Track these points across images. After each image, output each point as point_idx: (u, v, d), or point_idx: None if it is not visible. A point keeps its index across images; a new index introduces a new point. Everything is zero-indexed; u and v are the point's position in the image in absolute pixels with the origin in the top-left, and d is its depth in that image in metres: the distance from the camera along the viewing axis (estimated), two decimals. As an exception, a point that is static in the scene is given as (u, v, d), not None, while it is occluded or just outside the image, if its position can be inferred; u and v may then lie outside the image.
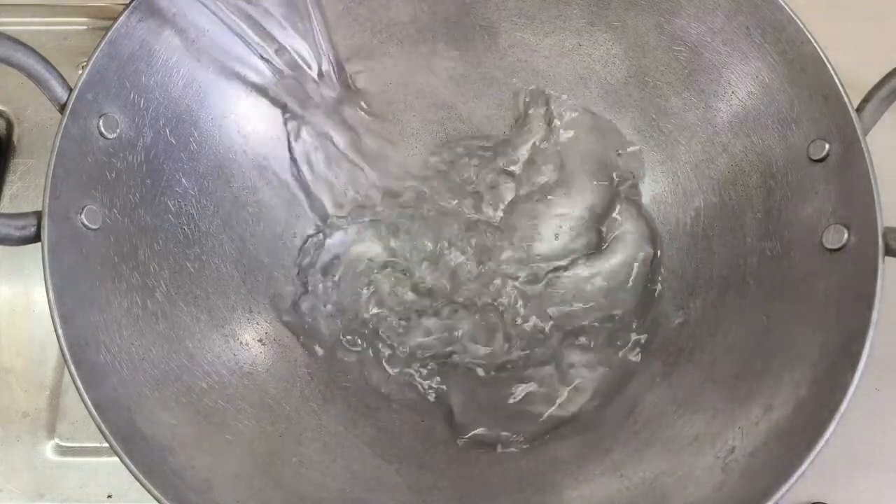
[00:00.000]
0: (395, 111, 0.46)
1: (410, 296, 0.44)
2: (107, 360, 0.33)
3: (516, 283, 0.44)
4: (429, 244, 0.44)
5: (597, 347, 0.42)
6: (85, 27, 0.51)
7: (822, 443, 0.30)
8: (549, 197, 0.45)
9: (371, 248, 0.44)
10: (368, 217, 0.45)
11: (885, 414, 0.42)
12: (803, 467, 0.30)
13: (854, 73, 0.36)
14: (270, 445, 0.37)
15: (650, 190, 0.44)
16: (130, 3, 0.36)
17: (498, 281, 0.44)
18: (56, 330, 0.31)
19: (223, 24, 0.40)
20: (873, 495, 0.41)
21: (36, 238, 0.32)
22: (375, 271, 0.44)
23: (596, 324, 0.42)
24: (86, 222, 0.34)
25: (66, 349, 0.31)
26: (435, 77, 0.46)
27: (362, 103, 0.45)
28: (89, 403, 0.30)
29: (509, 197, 0.45)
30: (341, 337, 0.42)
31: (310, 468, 0.37)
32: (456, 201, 0.45)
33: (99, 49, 0.36)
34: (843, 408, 0.30)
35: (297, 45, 0.42)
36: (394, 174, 0.45)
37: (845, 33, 0.49)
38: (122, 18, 0.36)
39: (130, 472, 0.30)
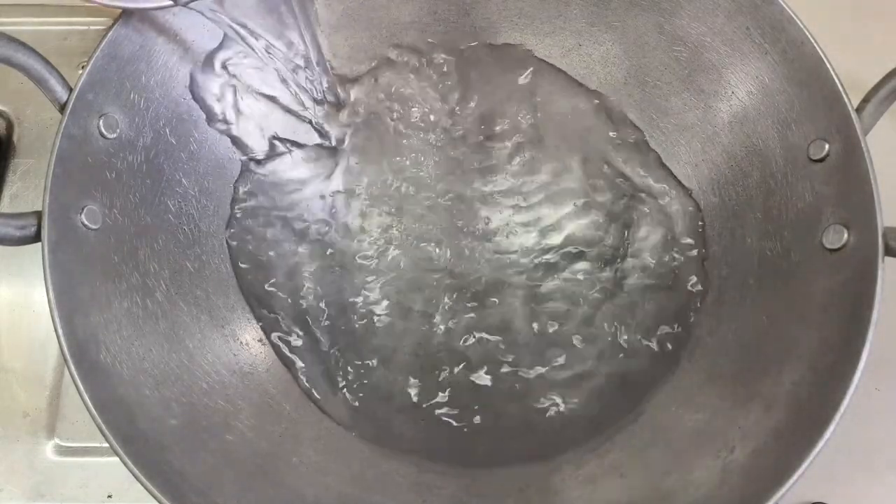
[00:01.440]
0: (393, 112, 0.46)
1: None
2: (107, 360, 0.33)
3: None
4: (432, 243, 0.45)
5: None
6: (85, 27, 0.51)
7: (822, 443, 0.30)
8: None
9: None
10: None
11: (884, 414, 0.42)
12: (803, 467, 0.30)
13: (854, 73, 0.36)
14: (270, 445, 0.37)
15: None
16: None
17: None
18: (56, 330, 0.31)
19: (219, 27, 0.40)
20: (873, 495, 0.41)
21: (36, 238, 0.32)
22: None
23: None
24: (86, 222, 0.34)
25: (66, 349, 0.31)
26: (434, 77, 0.46)
27: (355, 105, 0.45)
28: (89, 403, 0.30)
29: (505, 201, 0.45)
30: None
31: (310, 468, 0.37)
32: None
33: (99, 49, 0.35)
34: (843, 408, 0.30)
35: (287, 48, 0.42)
36: (392, 176, 0.45)
37: (845, 33, 0.49)
38: (122, 19, 0.36)
39: (130, 472, 0.30)
